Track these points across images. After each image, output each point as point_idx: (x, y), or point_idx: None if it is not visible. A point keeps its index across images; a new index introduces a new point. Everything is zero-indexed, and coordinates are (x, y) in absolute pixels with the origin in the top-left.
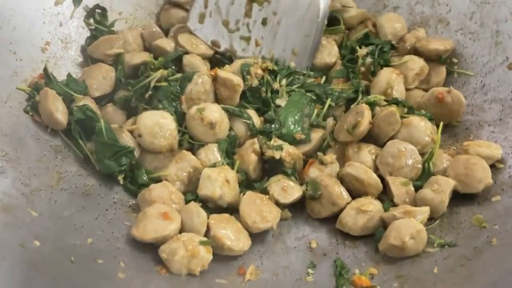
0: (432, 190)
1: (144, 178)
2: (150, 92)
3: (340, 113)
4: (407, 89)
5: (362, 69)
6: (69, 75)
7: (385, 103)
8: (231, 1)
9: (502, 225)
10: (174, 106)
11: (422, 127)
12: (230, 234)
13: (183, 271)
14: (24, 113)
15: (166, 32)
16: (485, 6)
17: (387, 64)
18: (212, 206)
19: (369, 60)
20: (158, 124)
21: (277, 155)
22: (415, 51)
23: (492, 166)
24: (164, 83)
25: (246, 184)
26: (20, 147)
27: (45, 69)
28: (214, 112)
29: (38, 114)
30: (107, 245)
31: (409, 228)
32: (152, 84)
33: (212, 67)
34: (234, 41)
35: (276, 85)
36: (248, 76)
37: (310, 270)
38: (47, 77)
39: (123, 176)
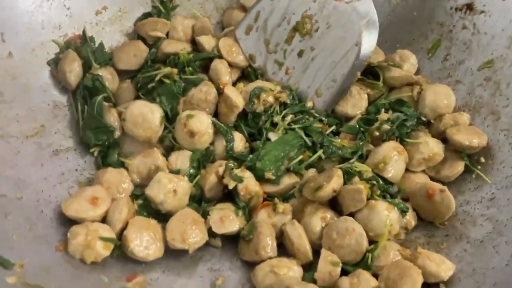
0: (350, 283)
1: (113, 159)
2: (153, 84)
3: (330, 168)
4: (410, 171)
5: (376, 133)
6: (100, 44)
7: (371, 175)
8: (278, 23)
9: None
10: (173, 104)
11: (383, 216)
12: (142, 240)
13: (77, 255)
14: (47, 64)
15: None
16: None
17: (401, 137)
18: (154, 207)
19: (386, 126)
20: (142, 115)
21: (231, 185)
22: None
23: (436, 285)
24: (168, 81)
25: (199, 199)
26: (24, 91)
27: (84, 32)
28: (200, 123)
29: (56, 69)
30: (34, 201)
31: None
32: (157, 78)
33: (243, 78)
34: (268, 61)
35: (276, 119)
36: (255, 100)
37: None
38: (84, 39)
39: (99, 150)
